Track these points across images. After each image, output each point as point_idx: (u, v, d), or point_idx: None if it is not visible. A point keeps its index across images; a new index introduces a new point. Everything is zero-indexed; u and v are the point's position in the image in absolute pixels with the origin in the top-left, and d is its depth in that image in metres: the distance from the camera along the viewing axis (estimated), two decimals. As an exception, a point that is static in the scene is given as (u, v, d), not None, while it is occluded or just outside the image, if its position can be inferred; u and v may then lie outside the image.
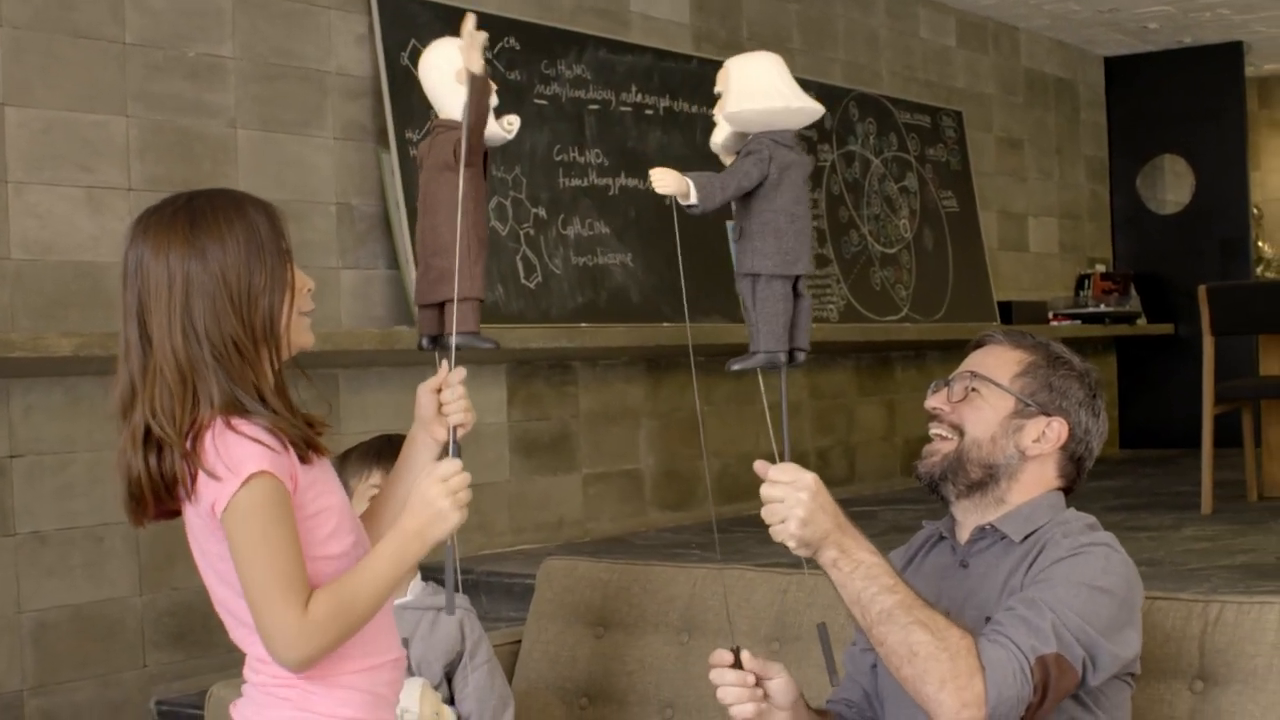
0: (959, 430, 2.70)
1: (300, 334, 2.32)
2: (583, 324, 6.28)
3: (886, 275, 8.40)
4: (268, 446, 2.18)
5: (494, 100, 2.48)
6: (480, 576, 5.45)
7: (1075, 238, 10.55)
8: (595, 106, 6.66)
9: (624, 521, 6.75)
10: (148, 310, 2.23)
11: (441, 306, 2.47)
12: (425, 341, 2.53)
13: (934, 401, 2.76)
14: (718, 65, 2.61)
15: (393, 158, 5.74)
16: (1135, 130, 10.84)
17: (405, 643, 3.16)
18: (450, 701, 3.20)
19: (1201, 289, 6.82)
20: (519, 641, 3.79)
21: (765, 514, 2.50)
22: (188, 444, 2.19)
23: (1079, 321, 9.90)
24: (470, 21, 2.43)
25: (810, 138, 7.97)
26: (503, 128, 2.47)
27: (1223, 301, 6.81)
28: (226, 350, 2.21)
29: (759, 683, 2.62)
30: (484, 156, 2.50)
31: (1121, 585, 2.52)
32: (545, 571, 3.85)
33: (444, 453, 2.43)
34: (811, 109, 2.51)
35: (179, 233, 2.22)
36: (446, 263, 2.43)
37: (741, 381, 7.28)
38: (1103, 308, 10.13)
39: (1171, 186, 10.78)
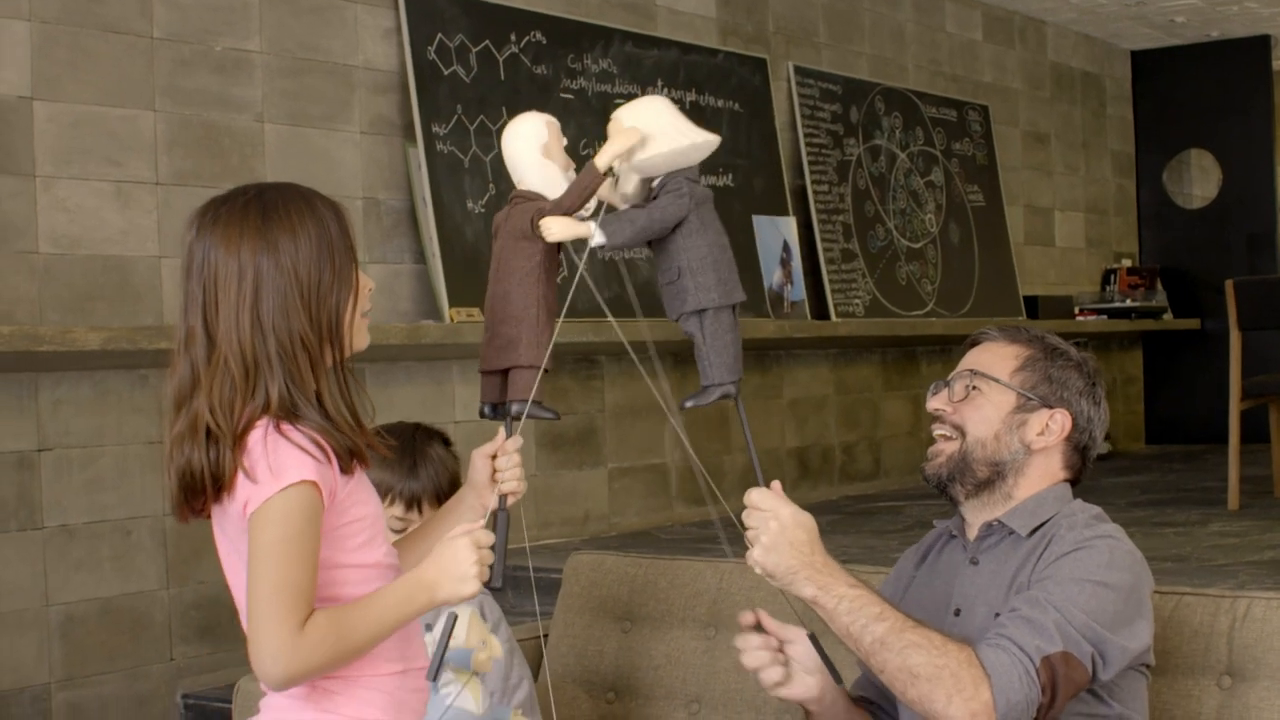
0: (961, 430, 2.71)
1: (360, 336, 2.30)
2: (608, 318, 6.28)
3: (912, 270, 8.39)
4: (313, 457, 2.15)
5: (570, 175, 2.51)
6: (506, 570, 5.44)
7: (1101, 232, 10.52)
8: (621, 101, 6.63)
9: (649, 516, 6.75)
10: (215, 302, 2.20)
11: (504, 373, 2.47)
12: (486, 409, 2.53)
13: (935, 403, 2.77)
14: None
15: (419, 152, 5.74)
16: (1162, 124, 10.81)
17: (427, 628, 3.17)
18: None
19: (1229, 283, 6.80)
20: (545, 635, 3.80)
21: (745, 539, 2.53)
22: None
23: (1105, 316, 9.88)
24: (634, 137, 2.45)
25: (836, 132, 7.97)
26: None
27: (1250, 296, 6.78)
28: (293, 346, 2.19)
29: (781, 648, 2.63)
30: None
31: (1127, 578, 2.51)
32: (572, 566, 3.85)
33: (491, 519, 2.43)
34: (710, 140, 2.52)
35: (251, 225, 2.20)
36: (515, 330, 2.43)
37: (766, 375, 7.29)
38: (1129, 303, 10.11)
39: (1198, 181, 10.75)
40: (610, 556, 3.86)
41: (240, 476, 2.16)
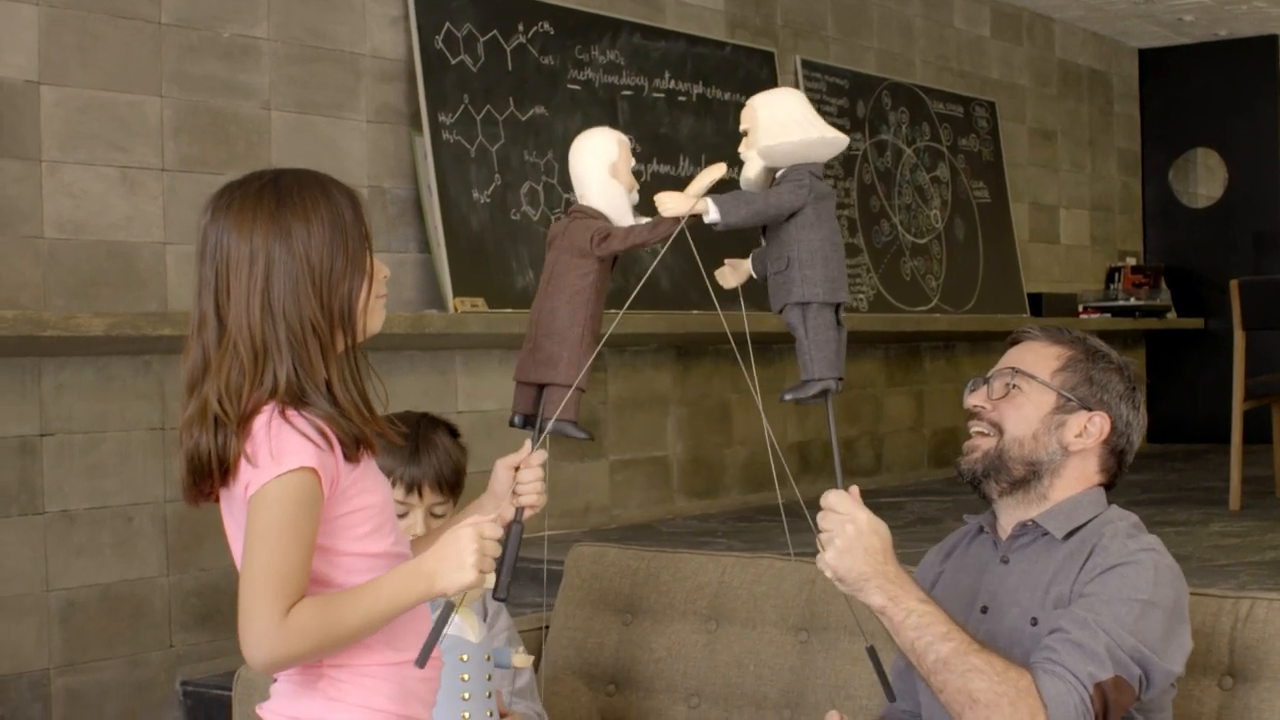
0: (999, 428, 2.70)
1: (374, 318, 2.29)
2: (612, 310, 6.27)
3: (917, 265, 8.39)
4: (315, 444, 2.15)
5: (634, 198, 2.50)
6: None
7: (1106, 230, 10.52)
8: (629, 92, 6.65)
9: (650, 509, 6.75)
10: (226, 286, 2.20)
11: (540, 388, 2.47)
12: (517, 419, 2.53)
13: (973, 399, 2.75)
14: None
15: (425, 141, 5.74)
16: (1168, 123, 10.80)
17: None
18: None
19: (1233, 283, 6.80)
20: (546, 627, 3.80)
21: (818, 541, 2.51)
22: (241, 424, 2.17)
23: (1109, 314, 9.87)
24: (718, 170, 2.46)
25: (843, 126, 7.96)
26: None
27: (1255, 296, 6.77)
28: (303, 332, 2.18)
29: None
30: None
31: (1170, 594, 2.52)
32: (574, 558, 3.85)
33: (505, 529, 2.40)
34: (840, 139, 2.51)
35: (265, 210, 2.20)
36: (558, 348, 2.43)
37: (771, 369, 7.28)
38: (1133, 301, 10.10)
39: (1204, 180, 10.74)
40: (611, 549, 3.86)
41: (243, 460, 2.16)
